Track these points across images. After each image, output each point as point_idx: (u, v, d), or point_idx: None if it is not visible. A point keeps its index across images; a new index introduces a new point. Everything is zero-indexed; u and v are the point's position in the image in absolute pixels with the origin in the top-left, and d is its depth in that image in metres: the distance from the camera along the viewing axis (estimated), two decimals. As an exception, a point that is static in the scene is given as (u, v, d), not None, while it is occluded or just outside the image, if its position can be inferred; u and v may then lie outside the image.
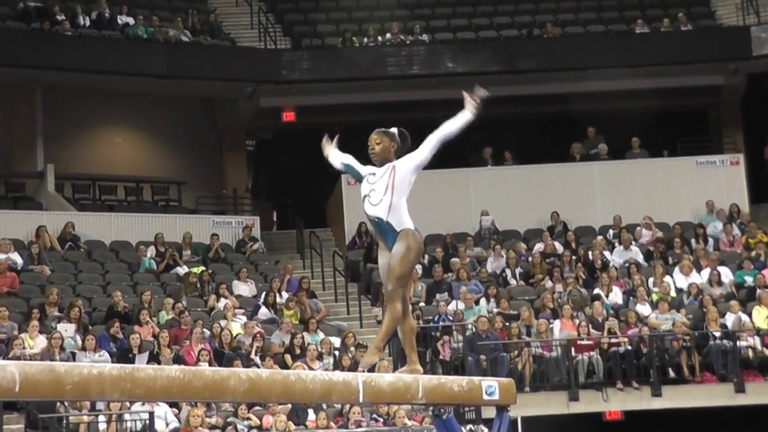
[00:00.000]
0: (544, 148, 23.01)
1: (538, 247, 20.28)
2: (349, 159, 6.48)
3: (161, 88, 22.15)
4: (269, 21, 23.92)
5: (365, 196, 6.16)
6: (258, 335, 16.27)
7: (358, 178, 6.31)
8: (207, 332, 16.24)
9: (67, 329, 15.40)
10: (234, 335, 16.43)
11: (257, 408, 14.47)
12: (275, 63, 22.35)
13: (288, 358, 16.07)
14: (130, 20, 22.25)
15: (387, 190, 6.09)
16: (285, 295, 18.37)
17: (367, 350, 6.20)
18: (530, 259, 19.75)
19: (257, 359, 15.71)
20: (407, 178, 6.14)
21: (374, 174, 6.19)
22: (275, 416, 14.26)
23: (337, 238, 22.08)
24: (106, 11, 22.23)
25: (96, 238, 19.85)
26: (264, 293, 18.23)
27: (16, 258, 17.96)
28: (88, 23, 21.83)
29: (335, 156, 6.58)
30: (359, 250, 20.64)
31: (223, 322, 16.74)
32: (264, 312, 17.78)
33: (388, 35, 23.33)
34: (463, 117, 6.24)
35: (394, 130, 6.33)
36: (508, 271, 19.54)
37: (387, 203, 6.08)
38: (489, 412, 11.80)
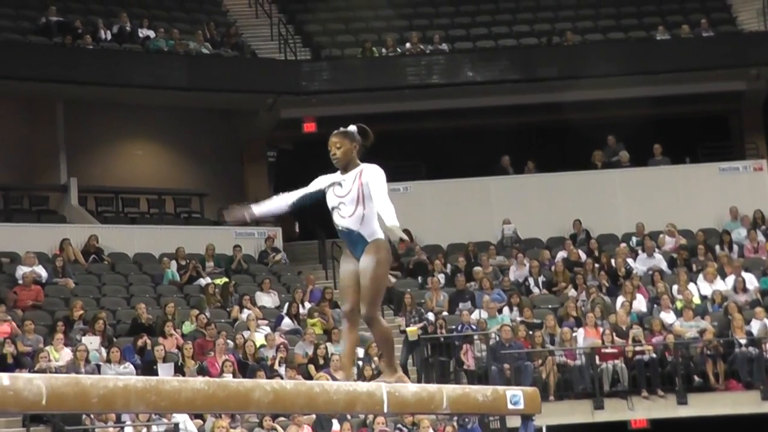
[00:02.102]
0: (564, 156, 22.98)
1: (561, 255, 20.22)
2: (298, 193, 6.16)
3: (182, 101, 22.22)
4: (289, 32, 23.97)
5: (333, 208, 5.93)
6: (281, 346, 16.28)
7: (320, 196, 6.04)
8: (230, 343, 16.26)
9: (91, 342, 15.46)
10: (257, 346, 16.45)
11: (282, 419, 14.47)
12: (295, 74, 22.39)
13: (312, 368, 16.07)
14: (151, 33, 22.35)
15: (358, 203, 5.86)
16: (308, 305, 18.39)
17: (386, 374, 6.00)
18: (553, 267, 19.70)
19: (281, 370, 15.72)
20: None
21: (341, 185, 5.94)
22: (300, 427, 14.26)
23: (359, 248, 22.02)
24: (127, 25, 22.34)
25: (119, 251, 19.91)
26: (287, 304, 18.24)
27: (41, 271, 18.04)
28: (109, 37, 21.94)
29: (278, 202, 6.23)
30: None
31: (246, 333, 16.78)
32: (287, 323, 17.80)
33: (407, 45, 23.35)
34: (387, 218, 5.75)
35: (352, 128, 6.12)
36: (531, 280, 19.49)
37: (359, 215, 5.86)
38: (514, 422, 11.75)
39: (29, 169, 21.86)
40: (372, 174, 5.92)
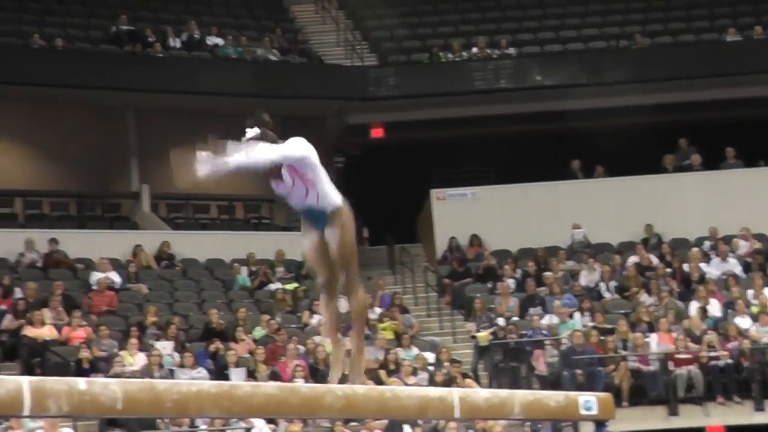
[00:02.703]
0: (634, 160, 22.74)
1: (633, 259, 20.01)
2: (272, 156, 5.71)
3: (250, 107, 22.35)
4: (355, 38, 24.05)
5: (286, 197, 5.66)
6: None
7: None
8: (301, 348, 16.33)
9: (165, 347, 15.62)
10: (328, 351, 16.49)
11: (353, 423, 14.50)
12: (362, 80, 22.46)
13: (382, 373, 16.08)
14: (220, 41, 22.56)
15: (306, 186, 5.56)
16: (377, 311, 18.41)
17: (354, 359, 5.74)
18: (624, 272, 19.51)
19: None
20: (302, 164, 5.54)
21: (282, 179, 5.61)
22: (370, 432, 14.29)
23: (428, 253, 22.05)
24: (196, 32, 22.57)
25: (191, 257, 20.10)
26: (356, 309, 18.24)
27: (115, 277, 18.28)
28: (178, 45, 22.19)
29: (259, 157, 5.70)
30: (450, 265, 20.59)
31: (317, 338, 16.83)
32: (357, 328, 17.79)
33: (474, 50, 23.29)
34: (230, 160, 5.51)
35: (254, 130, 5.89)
36: (602, 285, 19.32)
37: (314, 195, 5.57)
38: (586, 428, 11.67)
39: (102, 177, 22.16)
40: (281, 146, 5.63)
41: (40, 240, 18.97)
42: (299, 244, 20.79)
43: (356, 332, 5.85)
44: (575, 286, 19.11)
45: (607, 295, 19.21)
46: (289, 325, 17.55)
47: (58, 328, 16.04)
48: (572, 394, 6.37)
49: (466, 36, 24.28)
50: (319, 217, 5.65)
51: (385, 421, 14.31)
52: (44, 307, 16.39)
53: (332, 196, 5.62)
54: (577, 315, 18.08)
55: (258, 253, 19.95)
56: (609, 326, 17.61)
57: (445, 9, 25.68)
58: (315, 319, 17.69)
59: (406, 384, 14.94)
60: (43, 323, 15.92)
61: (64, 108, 21.95)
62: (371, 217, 25.57)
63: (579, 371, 16.33)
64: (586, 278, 19.56)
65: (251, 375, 15.33)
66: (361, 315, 5.85)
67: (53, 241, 18.90)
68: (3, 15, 22.34)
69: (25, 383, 4.21)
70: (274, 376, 15.27)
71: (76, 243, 19.39)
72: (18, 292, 17.07)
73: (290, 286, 19.01)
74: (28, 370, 14.95)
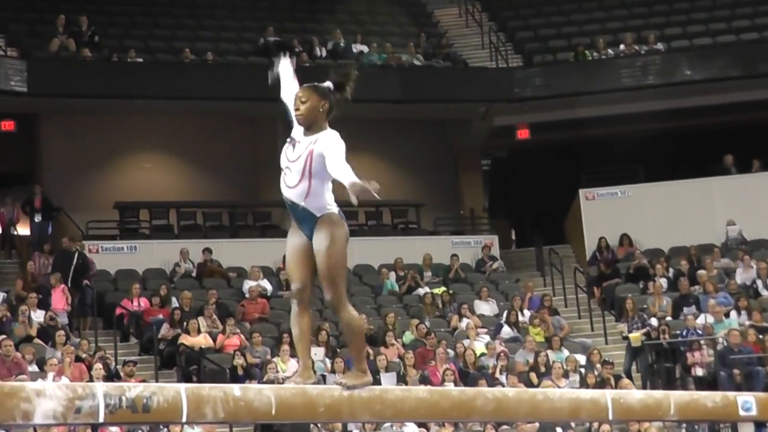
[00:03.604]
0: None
1: (791, 256, 19.43)
2: (290, 91, 5.47)
3: (396, 113, 22.52)
4: (500, 40, 23.95)
5: (282, 170, 5.27)
6: (502, 354, 16.25)
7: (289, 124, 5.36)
8: (451, 352, 16.34)
9: (316, 353, 15.82)
10: (478, 355, 16.47)
11: (504, 427, 14.43)
12: (507, 81, 22.35)
13: (533, 376, 15.97)
14: (364, 48, 22.78)
15: (303, 175, 5.17)
16: (527, 313, 18.29)
17: (351, 374, 5.13)
18: (782, 268, 18.94)
19: (502, 378, 15.69)
20: (326, 167, 5.13)
21: (293, 147, 5.25)
22: (522, 435, 14.20)
23: (577, 254, 21.81)
24: (341, 41, 22.84)
25: (339, 263, 20.26)
26: (506, 312, 18.20)
27: (266, 285, 18.61)
28: (324, 54, 22.49)
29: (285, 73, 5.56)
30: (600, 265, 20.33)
31: (466, 342, 16.82)
32: (507, 331, 17.75)
33: (621, 46, 22.95)
34: (345, 179, 4.94)
35: (327, 84, 5.37)
36: (759, 282, 18.80)
37: (304, 189, 5.17)
38: (746, 429, 11.37)
39: (252, 187, 22.59)
40: (327, 143, 5.16)
41: (194, 250, 19.44)
42: (446, 248, 20.73)
43: (354, 353, 5.30)
44: (731, 284, 18.64)
45: (764, 293, 18.68)
46: (438, 330, 17.58)
47: (213, 336, 16.40)
48: (730, 394, 6.22)
49: (612, 33, 23.93)
50: (303, 219, 5.21)
51: (537, 424, 14.21)
52: (199, 316, 16.79)
53: (326, 201, 5.20)
54: (733, 314, 17.63)
55: (406, 258, 20.05)
56: (767, 325, 17.11)
57: (590, 6, 25.37)
58: (464, 323, 17.68)
59: (558, 386, 14.80)
60: (198, 331, 16.30)
61: (215, 119, 22.49)
62: (519, 219, 25.52)
63: (737, 371, 15.91)
64: (741, 276, 19.06)
65: (401, 380, 15.40)
66: (354, 333, 5.28)
67: (207, 250, 19.35)
68: (158, 32, 23.02)
69: (182, 390, 4.33)
70: (424, 380, 15.31)
71: (229, 252, 19.83)
72: (174, 302, 17.53)
73: (438, 290, 19.05)
74: (186, 378, 15.33)
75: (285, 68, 5.66)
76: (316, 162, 5.14)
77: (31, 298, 16.40)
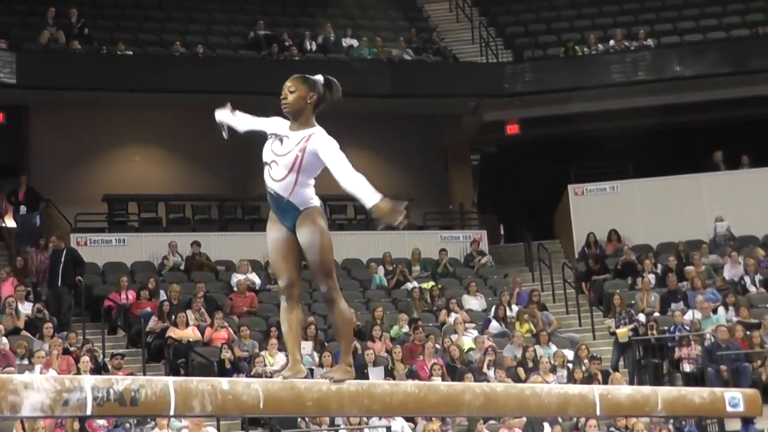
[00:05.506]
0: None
1: (778, 252, 19.48)
2: (255, 124, 5.63)
3: (386, 107, 22.51)
4: (490, 35, 23.95)
5: (266, 164, 5.25)
6: (489, 349, 16.26)
7: (264, 137, 5.39)
8: (439, 347, 16.35)
9: (304, 346, 15.80)
10: (465, 349, 16.47)
11: (492, 422, 14.45)
12: (498, 76, 22.36)
13: (521, 371, 15.99)
14: (355, 42, 22.76)
15: (292, 170, 5.16)
16: (515, 308, 18.31)
17: (338, 368, 5.11)
18: (770, 265, 19.01)
19: (490, 373, 15.70)
20: (316, 165, 5.17)
21: (281, 142, 5.24)
22: (510, 430, 14.21)
23: (566, 249, 21.84)
24: (332, 35, 22.82)
25: (328, 257, 20.26)
26: (494, 307, 18.22)
27: (255, 278, 18.60)
28: (314, 48, 22.46)
29: (239, 120, 5.78)
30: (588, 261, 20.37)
31: (454, 337, 16.83)
32: (495, 326, 17.77)
33: (611, 42, 22.97)
34: (366, 199, 4.91)
35: (318, 77, 5.36)
36: (746, 279, 18.85)
37: (290, 183, 5.17)
38: (733, 425, 11.40)
39: (241, 180, 22.55)
40: (322, 144, 5.16)
41: (183, 243, 19.42)
42: (435, 243, 20.80)
43: (342, 347, 5.32)
44: (718, 280, 18.69)
45: (752, 289, 18.73)
46: (426, 324, 17.59)
47: (201, 330, 16.38)
48: (717, 390, 6.24)
49: (602, 29, 23.96)
50: (285, 211, 5.23)
51: (525, 419, 14.23)
52: (188, 309, 16.77)
53: (309, 195, 5.21)
54: (720, 310, 17.67)
55: (394, 252, 20.05)
56: (755, 321, 17.16)
57: (581, 2, 25.39)
58: (452, 318, 17.70)
59: (546, 381, 14.82)
60: (186, 324, 16.29)
61: (205, 113, 22.41)
62: (508, 214, 25.54)
63: (724, 367, 15.96)
64: (729, 272, 19.11)
65: (389, 374, 15.41)
66: (345, 328, 5.28)
67: (196, 244, 19.33)
68: (148, 25, 22.95)
69: (170, 383, 4.32)
70: (412, 375, 15.32)
71: (218, 245, 19.82)
72: (162, 295, 17.51)
73: (426, 285, 19.06)
74: (174, 371, 15.32)
75: (223, 116, 5.94)
76: (307, 159, 5.15)
77: (19, 291, 16.36)
